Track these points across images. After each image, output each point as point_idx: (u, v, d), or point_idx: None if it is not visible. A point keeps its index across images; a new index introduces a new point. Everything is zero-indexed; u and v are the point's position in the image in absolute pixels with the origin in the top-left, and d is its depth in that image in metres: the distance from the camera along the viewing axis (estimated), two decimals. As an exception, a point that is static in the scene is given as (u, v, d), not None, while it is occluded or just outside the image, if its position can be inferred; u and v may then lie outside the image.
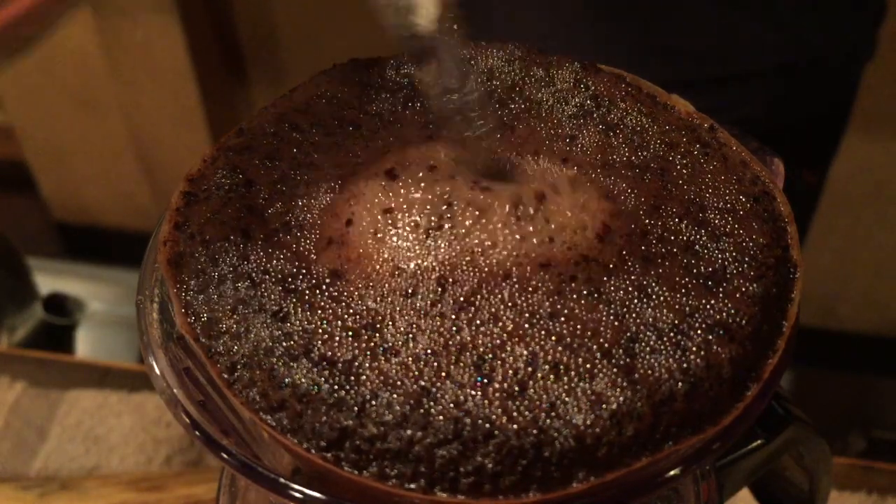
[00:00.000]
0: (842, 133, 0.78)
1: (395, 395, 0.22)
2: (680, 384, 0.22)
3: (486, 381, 0.22)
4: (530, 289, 0.23)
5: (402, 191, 0.26)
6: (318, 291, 0.24)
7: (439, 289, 0.24)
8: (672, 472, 0.22)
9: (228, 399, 0.23)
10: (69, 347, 0.95)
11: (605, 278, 0.24)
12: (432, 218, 0.25)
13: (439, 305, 0.23)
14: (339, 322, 0.23)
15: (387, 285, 0.24)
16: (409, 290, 0.24)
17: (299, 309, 0.24)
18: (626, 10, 0.64)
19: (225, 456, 0.22)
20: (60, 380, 0.58)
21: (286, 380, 0.22)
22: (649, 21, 0.64)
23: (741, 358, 0.23)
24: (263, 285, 0.24)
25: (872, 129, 1.16)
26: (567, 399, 0.22)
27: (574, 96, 0.30)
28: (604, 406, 0.21)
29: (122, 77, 1.33)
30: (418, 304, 0.23)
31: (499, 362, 0.22)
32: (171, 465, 0.54)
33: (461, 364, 0.22)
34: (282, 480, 0.22)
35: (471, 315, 0.23)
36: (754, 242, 0.25)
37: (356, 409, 0.22)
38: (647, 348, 0.23)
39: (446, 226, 0.25)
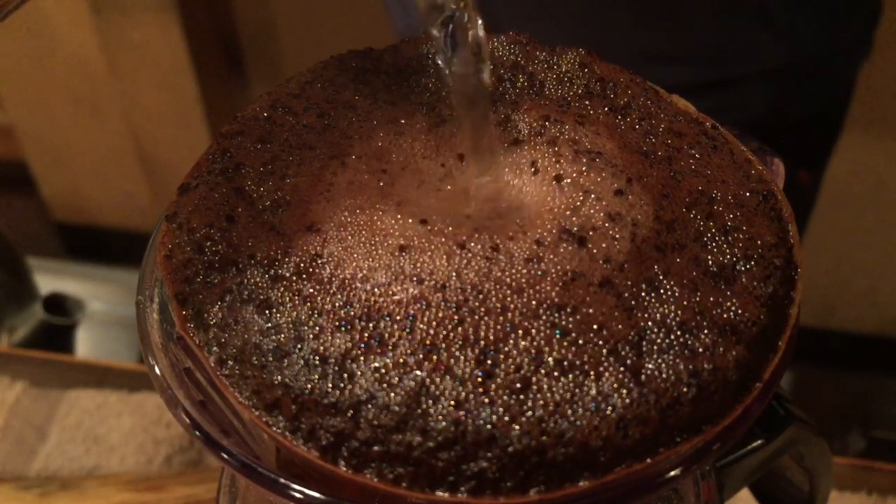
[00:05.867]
0: (838, 133, 0.78)
1: (391, 395, 0.21)
2: (687, 388, 0.22)
3: (487, 377, 0.21)
4: (537, 277, 0.23)
5: (396, 169, 0.26)
6: (304, 277, 0.23)
7: (438, 277, 0.23)
8: (672, 473, 0.22)
9: (228, 399, 0.23)
10: (69, 347, 0.94)
11: (614, 267, 0.23)
12: (430, 198, 0.25)
13: (438, 294, 0.23)
14: (330, 313, 0.23)
15: (380, 271, 0.23)
16: (406, 278, 0.23)
17: (286, 298, 0.23)
18: (623, 16, 0.64)
19: (225, 456, 0.22)
20: (60, 380, 0.58)
21: (277, 378, 0.22)
22: (645, 26, 0.64)
23: (746, 360, 0.23)
24: (248, 272, 0.24)
25: (871, 128, 1.16)
26: (572, 399, 0.21)
27: (580, 78, 0.29)
28: (610, 409, 0.21)
29: (122, 77, 1.33)
30: (416, 293, 0.23)
31: (501, 356, 0.22)
32: (171, 465, 0.54)
33: (462, 358, 0.22)
34: (282, 480, 0.22)
35: (473, 304, 0.22)
36: (762, 241, 0.25)
37: (351, 411, 0.21)
38: (655, 347, 0.22)
39: (445, 205, 0.25)
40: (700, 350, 0.22)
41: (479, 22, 0.24)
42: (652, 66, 0.64)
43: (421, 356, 0.22)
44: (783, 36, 0.65)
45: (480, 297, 0.23)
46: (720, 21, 0.64)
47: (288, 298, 0.23)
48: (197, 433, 0.23)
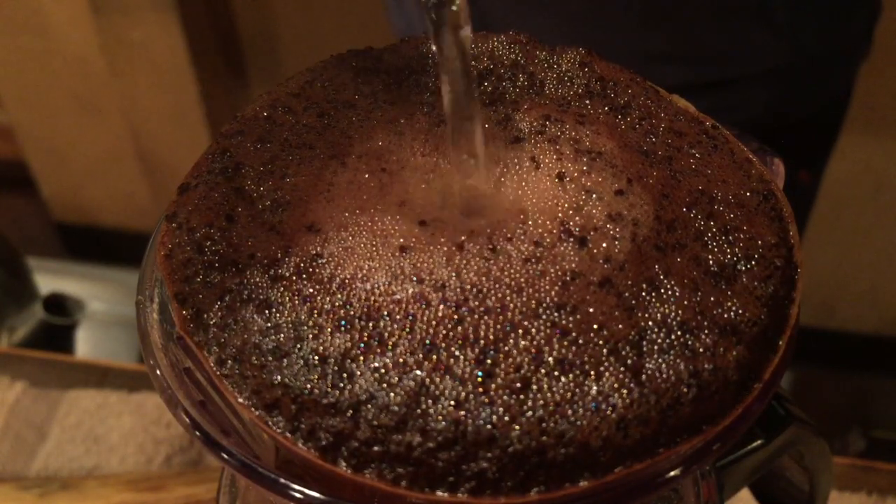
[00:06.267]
0: (838, 133, 0.78)
1: (391, 395, 0.21)
2: (688, 389, 0.22)
3: (487, 376, 0.21)
4: (536, 276, 0.23)
5: (396, 169, 0.26)
6: (304, 277, 0.23)
7: (438, 276, 0.23)
8: (673, 473, 0.22)
9: (228, 399, 0.23)
10: (69, 347, 0.95)
11: (614, 267, 0.23)
12: (430, 198, 0.25)
13: (438, 294, 0.23)
14: (330, 312, 0.23)
15: (380, 271, 0.23)
16: (405, 278, 0.23)
17: (286, 297, 0.23)
18: (623, 16, 0.64)
19: (225, 456, 0.22)
20: (60, 380, 0.58)
21: (276, 378, 0.22)
22: (646, 27, 0.64)
23: (747, 360, 0.23)
24: (248, 272, 0.24)
25: (871, 128, 1.16)
26: (572, 399, 0.21)
27: (580, 77, 0.29)
28: (610, 409, 0.21)
29: (122, 77, 1.33)
30: (415, 293, 0.23)
31: (501, 356, 0.22)
32: (171, 465, 0.54)
33: (461, 357, 0.22)
34: (282, 480, 0.22)
35: (473, 304, 0.22)
36: (763, 241, 0.25)
37: (351, 411, 0.21)
38: (656, 347, 0.22)
39: (445, 206, 0.24)
40: (701, 350, 0.22)
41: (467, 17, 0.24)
42: (652, 65, 0.64)
43: (421, 356, 0.22)
44: (783, 36, 0.65)
45: (480, 296, 0.23)
46: (720, 21, 0.64)
47: (287, 298, 0.23)
48: (197, 433, 0.23)
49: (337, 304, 0.23)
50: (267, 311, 0.23)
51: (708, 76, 0.66)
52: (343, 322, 0.23)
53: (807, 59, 0.67)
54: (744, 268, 0.24)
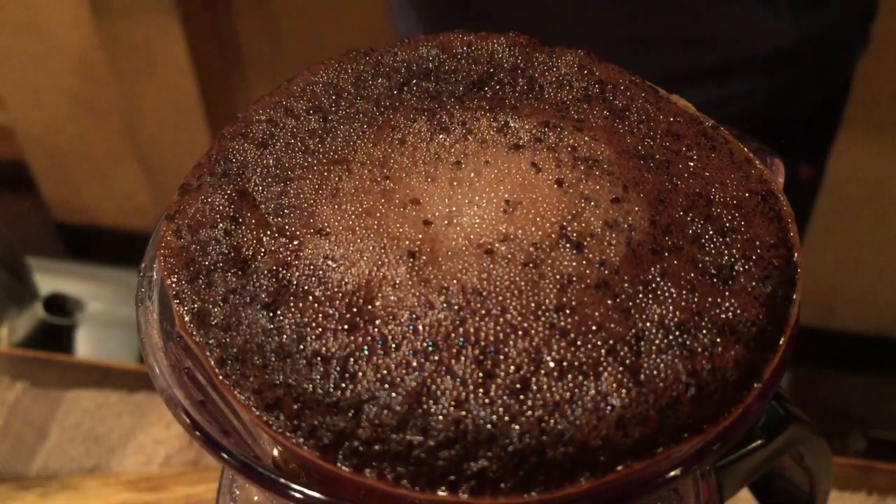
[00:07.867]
0: (837, 127, 0.78)
1: (393, 395, 0.21)
2: (686, 388, 0.22)
3: (488, 377, 0.22)
4: (535, 279, 0.23)
5: (399, 174, 0.26)
6: (305, 279, 0.24)
7: (440, 279, 0.23)
8: (673, 473, 0.22)
9: (228, 399, 0.23)
10: (69, 347, 0.95)
11: (610, 270, 0.23)
12: (433, 203, 0.25)
13: (441, 297, 0.23)
14: (333, 314, 0.23)
15: (383, 274, 0.23)
16: (408, 280, 0.23)
17: (288, 299, 0.23)
18: (621, 1, 0.64)
19: (225, 456, 0.22)
20: (60, 380, 0.58)
21: (279, 378, 0.22)
22: (644, 11, 0.64)
23: (746, 360, 0.23)
24: (253, 274, 0.24)
25: (870, 128, 1.16)
26: (571, 399, 0.21)
27: (579, 80, 0.30)
28: (609, 409, 0.21)
29: (122, 77, 1.33)
30: (418, 295, 0.23)
31: (501, 357, 0.22)
32: (171, 465, 0.54)
33: (462, 358, 0.22)
34: (282, 480, 0.22)
35: (474, 306, 0.23)
36: (761, 241, 0.25)
37: (352, 411, 0.21)
38: (654, 347, 0.22)
39: (447, 211, 0.25)
40: (699, 350, 0.22)
41: None
42: (653, 50, 0.64)
43: (422, 357, 0.22)
44: (783, 17, 0.65)
45: (480, 298, 0.23)
46: (721, 3, 0.64)
47: (290, 300, 0.23)
48: (197, 433, 0.23)
49: (339, 305, 0.23)
50: (269, 312, 0.23)
51: (708, 60, 0.66)
52: (346, 324, 0.23)
53: (806, 43, 0.67)
54: (741, 268, 0.24)
